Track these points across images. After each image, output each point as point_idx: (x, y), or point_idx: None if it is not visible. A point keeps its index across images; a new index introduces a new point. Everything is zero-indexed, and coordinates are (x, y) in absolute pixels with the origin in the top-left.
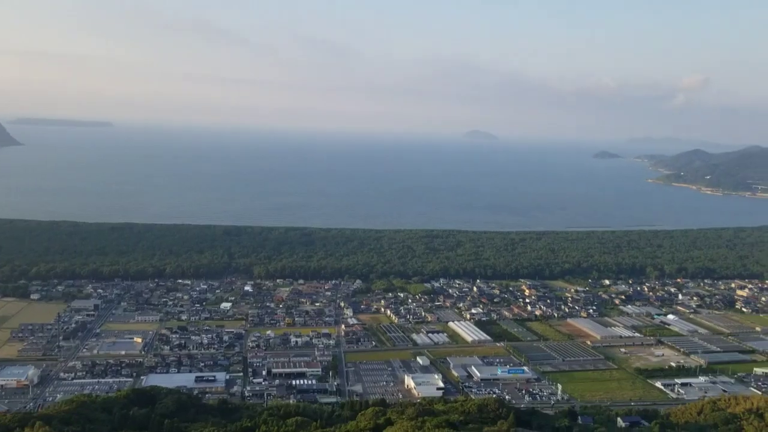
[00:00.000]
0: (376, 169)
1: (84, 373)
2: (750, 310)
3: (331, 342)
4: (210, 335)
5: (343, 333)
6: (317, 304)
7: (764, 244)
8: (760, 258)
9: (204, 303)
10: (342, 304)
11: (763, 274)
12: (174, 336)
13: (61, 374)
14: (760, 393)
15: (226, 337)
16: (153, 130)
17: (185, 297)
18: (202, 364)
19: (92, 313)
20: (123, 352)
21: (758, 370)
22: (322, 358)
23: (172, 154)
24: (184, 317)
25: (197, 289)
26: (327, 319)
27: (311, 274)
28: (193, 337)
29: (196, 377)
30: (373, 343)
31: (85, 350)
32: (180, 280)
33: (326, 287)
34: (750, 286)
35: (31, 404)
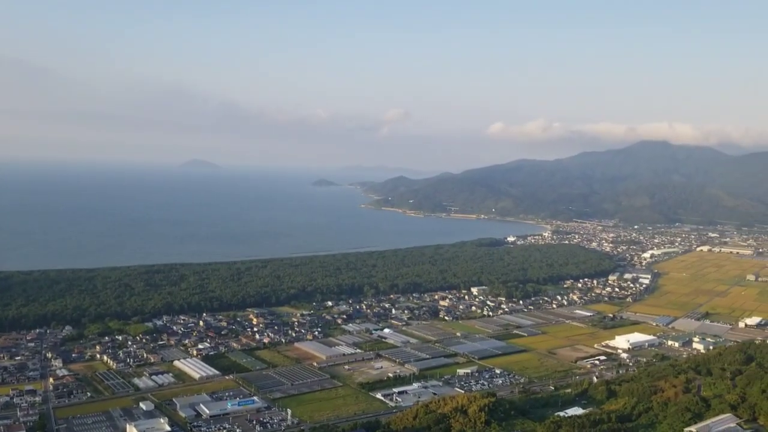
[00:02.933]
0: (77, 202)
1: None
2: (451, 318)
3: (38, 399)
4: None
5: (51, 387)
6: (17, 358)
7: (459, 258)
8: (456, 271)
9: None
10: (49, 355)
11: (459, 285)
12: None
13: None
14: (462, 392)
15: None
16: None
17: None
18: None
19: None
20: None
21: (460, 371)
22: (26, 419)
23: None
24: None
25: None
26: (31, 373)
27: (9, 324)
28: None
29: None
30: (89, 393)
31: None
32: None
33: (28, 338)
34: (450, 296)
35: None
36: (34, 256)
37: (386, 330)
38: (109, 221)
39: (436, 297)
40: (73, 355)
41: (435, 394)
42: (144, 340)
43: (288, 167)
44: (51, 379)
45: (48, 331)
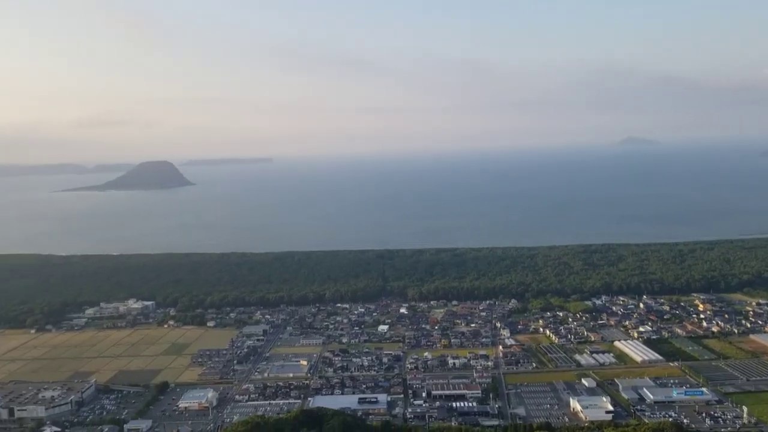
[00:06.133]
0: (525, 186)
1: (257, 395)
2: None
3: (489, 363)
4: (370, 357)
5: (501, 354)
6: (472, 325)
7: None
8: None
9: (362, 326)
10: (498, 325)
11: None
12: (336, 359)
13: (237, 396)
14: None
15: (385, 359)
16: (309, 163)
17: (344, 320)
18: (364, 386)
19: (261, 338)
20: (291, 375)
21: None
22: (481, 380)
23: (325, 184)
24: (344, 340)
25: (355, 312)
26: (483, 340)
27: (464, 294)
28: (354, 360)
29: (359, 399)
30: (534, 364)
31: (256, 373)
32: (339, 304)
33: (480, 308)
34: None
35: (211, 425)
36: (480, 235)
37: None
38: (544, 204)
39: None
40: (519, 326)
41: None
42: (584, 318)
43: (725, 137)
44: (500, 347)
45: (496, 303)
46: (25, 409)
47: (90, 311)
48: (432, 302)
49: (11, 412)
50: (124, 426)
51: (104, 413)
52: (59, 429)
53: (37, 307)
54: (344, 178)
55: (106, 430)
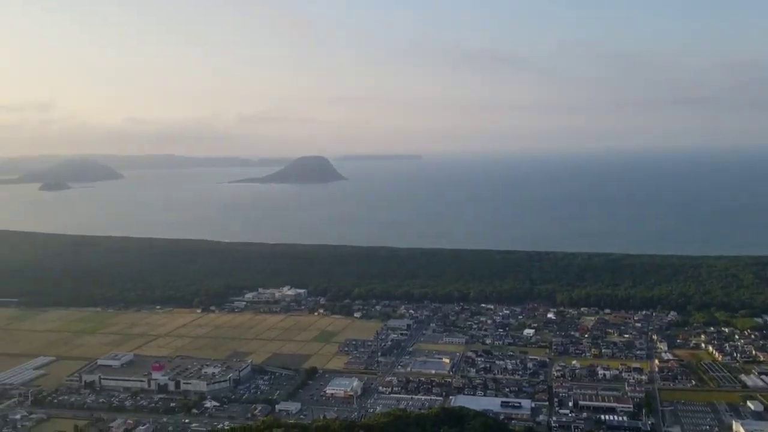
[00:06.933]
0: (691, 186)
1: (399, 388)
2: None
3: (643, 377)
4: (514, 361)
5: (656, 368)
6: (626, 335)
7: None
8: None
9: (507, 328)
10: (654, 337)
11: None
12: (479, 359)
13: (380, 388)
14: None
15: (530, 364)
16: (459, 160)
17: (489, 321)
18: (507, 390)
19: (405, 332)
20: (433, 371)
21: None
22: (633, 394)
23: (476, 182)
24: (488, 341)
25: (500, 314)
26: (638, 352)
27: (618, 303)
28: (497, 362)
29: (502, 402)
30: (693, 381)
31: (399, 367)
32: (483, 304)
33: (635, 318)
34: None
35: (356, 414)
36: (641, 242)
37: None
38: (707, 208)
39: None
40: (678, 340)
41: None
42: (752, 336)
43: None
44: (656, 361)
45: (654, 314)
46: (190, 383)
47: (249, 295)
48: (582, 309)
49: (177, 385)
50: (275, 406)
51: (258, 393)
52: (218, 404)
53: (203, 289)
54: (495, 176)
55: (260, 408)
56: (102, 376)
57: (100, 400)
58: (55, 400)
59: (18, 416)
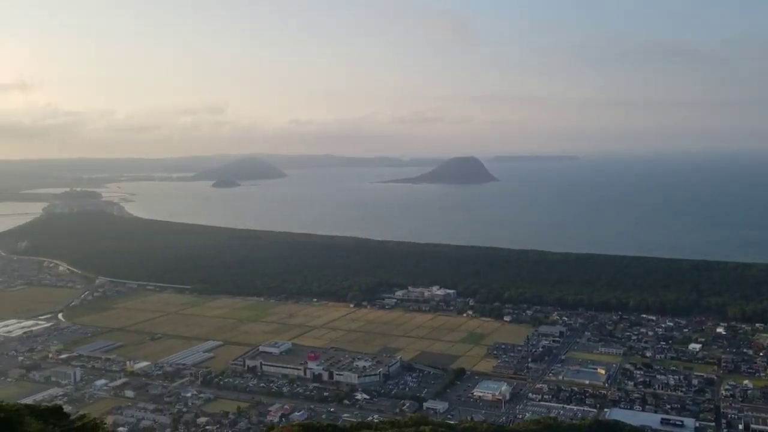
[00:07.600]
0: None
1: (550, 396)
2: None
3: None
4: (677, 377)
5: None
6: None
7: None
8: None
9: (670, 341)
10: None
11: None
12: (638, 372)
13: (530, 394)
14: None
15: (695, 381)
16: (621, 161)
17: (650, 333)
18: (668, 406)
19: (557, 339)
20: (587, 382)
21: None
22: None
23: (638, 184)
24: (648, 354)
25: (663, 325)
26: None
27: None
28: (658, 376)
29: (662, 419)
30: None
31: (551, 374)
32: (644, 315)
33: None
34: None
35: (504, 419)
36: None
37: None
38: None
39: None
40: None
41: None
42: None
43: None
44: None
45: None
46: (342, 374)
47: (399, 293)
48: (757, 325)
49: (331, 375)
50: (423, 404)
51: (407, 389)
52: (368, 397)
53: (356, 284)
54: (660, 179)
55: (408, 404)
56: (263, 362)
57: (261, 385)
58: (221, 382)
59: (189, 394)
